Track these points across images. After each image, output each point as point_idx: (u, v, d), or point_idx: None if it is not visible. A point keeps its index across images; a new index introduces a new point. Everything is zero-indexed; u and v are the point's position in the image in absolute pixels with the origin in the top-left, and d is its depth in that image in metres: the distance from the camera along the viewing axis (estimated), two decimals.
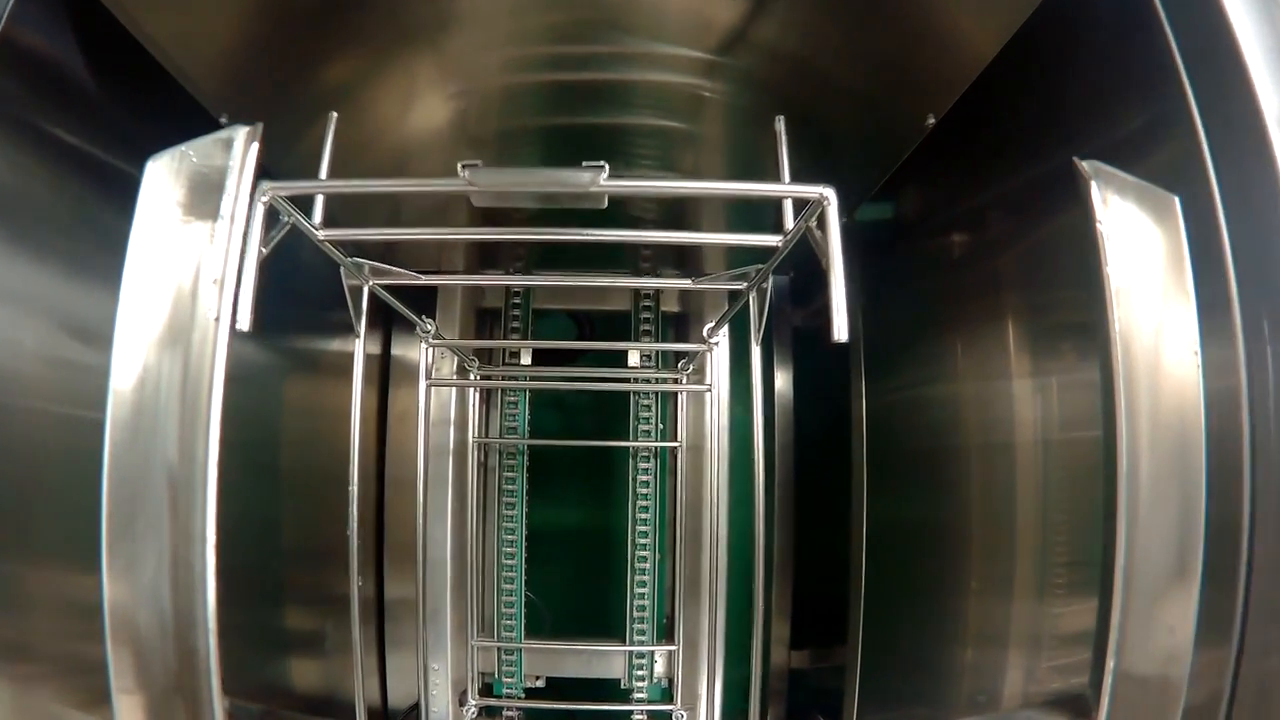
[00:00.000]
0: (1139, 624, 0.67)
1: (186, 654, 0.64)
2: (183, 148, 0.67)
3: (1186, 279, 0.69)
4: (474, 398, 2.05)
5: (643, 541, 2.05)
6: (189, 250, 0.65)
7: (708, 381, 1.86)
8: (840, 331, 0.74)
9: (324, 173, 0.95)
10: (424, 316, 1.56)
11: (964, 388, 1.49)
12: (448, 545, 1.94)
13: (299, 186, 0.83)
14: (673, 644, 2.00)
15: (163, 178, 0.66)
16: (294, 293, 1.66)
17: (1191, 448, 0.67)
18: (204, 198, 0.66)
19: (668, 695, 1.99)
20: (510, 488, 2.07)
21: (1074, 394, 1.14)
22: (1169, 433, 0.67)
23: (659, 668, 2.03)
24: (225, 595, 0.65)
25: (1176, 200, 0.69)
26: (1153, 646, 0.68)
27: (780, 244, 0.91)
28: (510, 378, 2.14)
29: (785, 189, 0.94)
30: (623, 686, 2.01)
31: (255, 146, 0.67)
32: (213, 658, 0.64)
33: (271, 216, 0.77)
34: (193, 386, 0.64)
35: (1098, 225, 0.66)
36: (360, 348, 1.26)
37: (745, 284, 1.20)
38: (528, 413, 2.11)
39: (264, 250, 0.72)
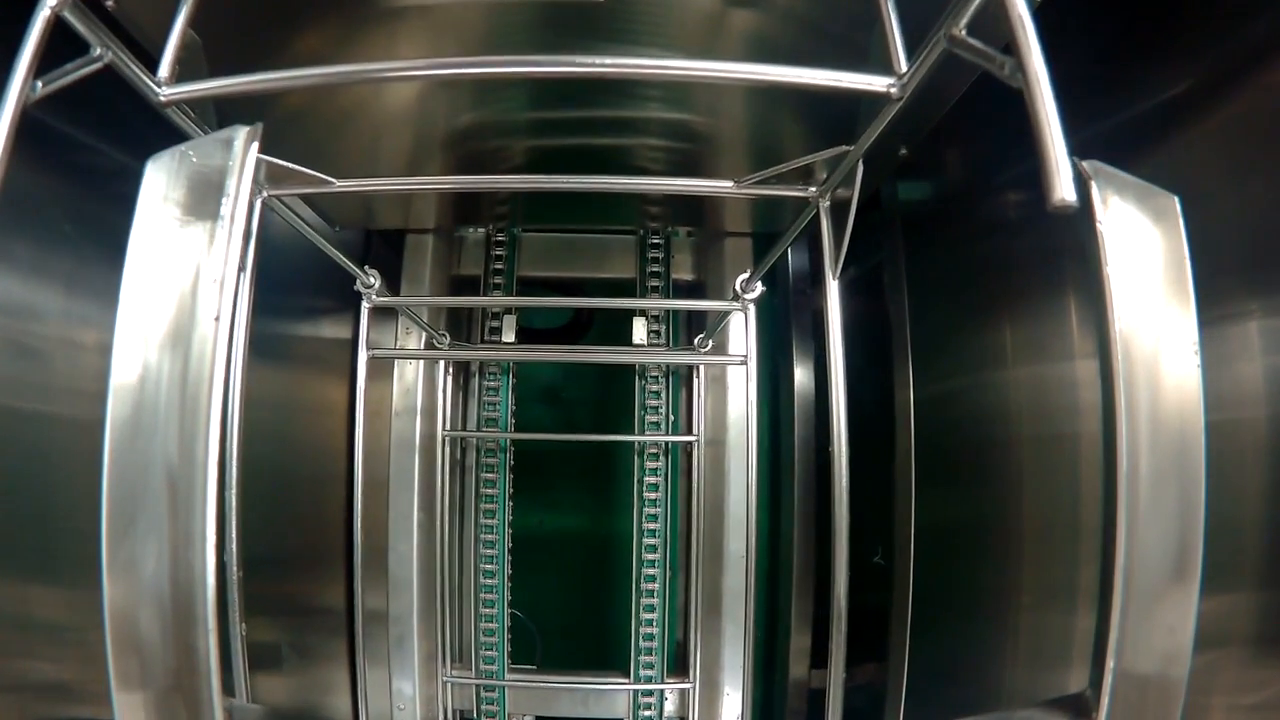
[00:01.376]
0: (1139, 624, 0.80)
1: (186, 654, 0.76)
2: (182, 148, 0.79)
3: (1186, 279, 0.82)
4: (446, 384, 2.13)
5: (650, 557, 2.12)
6: (189, 250, 0.77)
7: (740, 351, 1.82)
8: (1064, 189, 0.69)
9: None
10: (367, 268, 1.58)
11: (1020, 375, 1.65)
12: (414, 559, 2.04)
13: None
14: (686, 679, 2.10)
15: (162, 178, 0.78)
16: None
17: (1191, 448, 0.80)
18: (204, 198, 0.78)
19: None
20: (490, 491, 2.14)
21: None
22: (1169, 433, 0.80)
23: (669, 706, 2.11)
24: None
25: (1176, 200, 0.82)
26: (1153, 647, 0.81)
27: (892, 86, 0.87)
28: (496, 284, 2.19)
29: None
30: None
31: (255, 146, 0.79)
32: (213, 658, 0.76)
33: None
34: (193, 386, 0.75)
35: (1098, 225, 0.79)
36: (248, 290, 1.22)
37: (814, 190, 1.17)
38: (511, 402, 2.16)
39: (40, 86, 0.76)
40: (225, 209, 0.78)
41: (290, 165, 1.20)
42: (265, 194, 1.22)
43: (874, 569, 2.00)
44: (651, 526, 2.16)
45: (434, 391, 2.21)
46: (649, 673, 2.10)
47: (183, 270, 0.77)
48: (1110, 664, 0.81)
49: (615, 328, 2.31)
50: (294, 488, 1.73)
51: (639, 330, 2.24)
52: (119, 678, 0.76)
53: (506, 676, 2.12)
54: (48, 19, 0.74)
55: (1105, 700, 0.82)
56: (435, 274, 2.27)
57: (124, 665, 0.76)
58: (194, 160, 0.79)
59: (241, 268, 1.10)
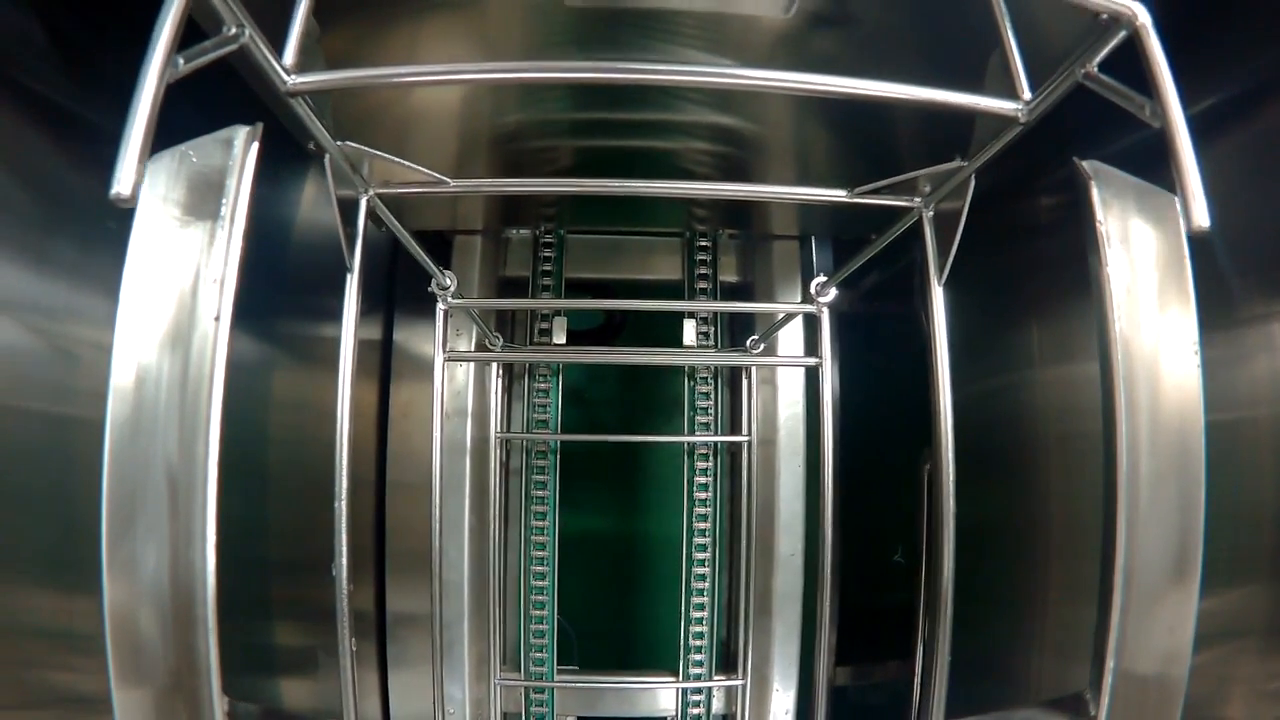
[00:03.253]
0: (1139, 624, 0.80)
1: (186, 654, 0.76)
2: (183, 148, 0.79)
3: (1186, 279, 0.81)
4: (496, 386, 2.12)
5: (700, 556, 2.10)
6: (189, 250, 0.77)
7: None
8: (1201, 218, 0.72)
9: None
10: (445, 271, 1.56)
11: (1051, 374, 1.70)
12: (465, 563, 2.01)
13: None
14: (733, 677, 2.09)
15: (162, 178, 0.78)
16: (278, 274, 1.80)
17: (1191, 447, 0.80)
18: (204, 198, 0.78)
19: None
20: (540, 493, 2.12)
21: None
22: (1169, 432, 0.79)
23: (717, 705, 2.09)
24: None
25: (1176, 200, 0.81)
26: (1153, 646, 0.81)
27: (1020, 111, 0.86)
28: (545, 288, 2.19)
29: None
30: None
31: (255, 146, 0.79)
32: (213, 658, 0.76)
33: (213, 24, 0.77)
34: (193, 386, 0.76)
35: (1098, 225, 0.79)
36: (355, 292, 1.19)
37: (918, 200, 1.17)
38: (560, 404, 2.15)
39: (182, 62, 0.71)
40: (225, 209, 0.78)
41: (405, 163, 1.18)
42: (371, 192, 1.19)
43: (888, 567, 2.04)
44: (702, 526, 2.15)
45: (484, 394, 2.17)
46: (698, 670, 2.09)
47: (183, 270, 0.77)
48: (1110, 664, 0.81)
49: (653, 330, 2.38)
50: (321, 490, 1.76)
51: (689, 332, 2.22)
52: (119, 678, 0.77)
53: (555, 678, 2.10)
54: None
55: (1105, 700, 0.81)
56: (484, 275, 2.25)
57: (124, 665, 0.77)
58: (194, 160, 0.79)
59: (349, 269, 1.15)
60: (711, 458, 2.20)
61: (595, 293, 2.41)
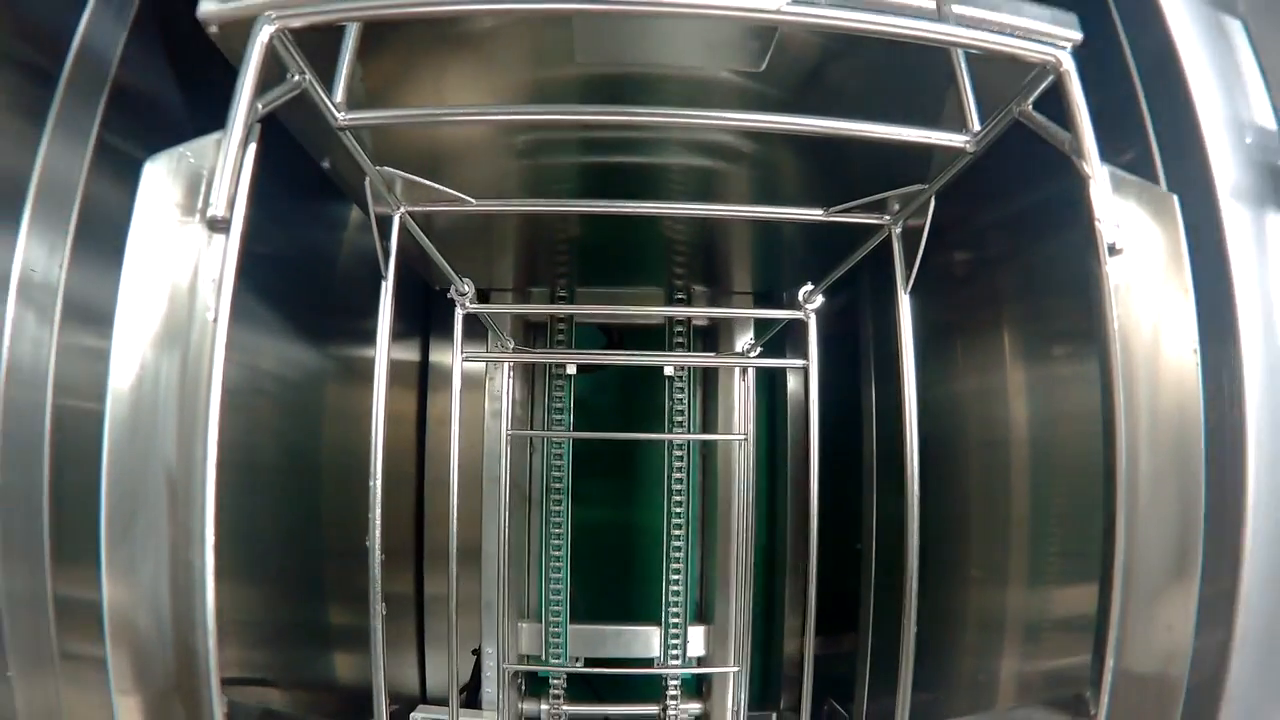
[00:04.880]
0: (1138, 623, 0.78)
1: (186, 654, 0.74)
2: (181, 148, 0.78)
3: (1186, 278, 0.80)
4: (515, 389, 2.48)
5: (677, 534, 2.53)
6: (188, 250, 0.76)
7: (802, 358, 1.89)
8: (1111, 240, 0.79)
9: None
10: (463, 278, 1.69)
11: (964, 387, 1.85)
12: (497, 538, 2.29)
13: (316, 11, 0.80)
14: (705, 624, 2.54)
15: (161, 178, 0.77)
16: (340, 302, 2.00)
17: (1191, 447, 0.79)
18: (202, 198, 0.76)
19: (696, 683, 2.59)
20: (557, 485, 2.56)
21: (1068, 393, 1.45)
22: (1169, 432, 0.78)
23: (691, 649, 2.54)
24: (274, 593, 0.78)
25: (1176, 200, 0.80)
26: (1152, 645, 0.79)
27: (969, 143, 0.94)
28: (558, 371, 2.53)
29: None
30: (657, 667, 2.51)
31: (253, 147, 0.77)
32: (212, 658, 0.74)
33: (273, 70, 0.81)
34: (191, 386, 0.74)
35: (1097, 225, 0.77)
36: (389, 299, 1.27)
37: (887, 218, 1.26)
38: (573, 409, 2.53)
39: (260, 108, 0.78)
40: (223, 209, 0.75)
41: (431, 184, 1.23)
42: (403, 209, 1.26)
43: (849, 553, 2.31)
44: (678, 510, 2.53)
45: (513, 404, 2.46)
46: (676, 620, 2.52)
47: (181, 270, 0.76)
48: (1110, 663, 0.79)
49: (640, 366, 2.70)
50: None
51: (668, 369, 2.55)
52: (119, 678, 0.76)
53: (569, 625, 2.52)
54: (265, 44, 0.76)
55: (1105, 699, 0.80)
56: (514, 321, 2.56)
57: (124, 665, 0.76)
58: (192, 160, 0.78)
59: (384, 278, 1.24)
60: (685, 455, 2.55)
61: (601, 331, 2.78)
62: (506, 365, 2.39)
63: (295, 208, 1.71)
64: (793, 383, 2.66)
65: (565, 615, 2.50)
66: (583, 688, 2.61)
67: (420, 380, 2.53)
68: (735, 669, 2.36)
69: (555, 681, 2.52)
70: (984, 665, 1.70)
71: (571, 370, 2.54)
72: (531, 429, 2.59)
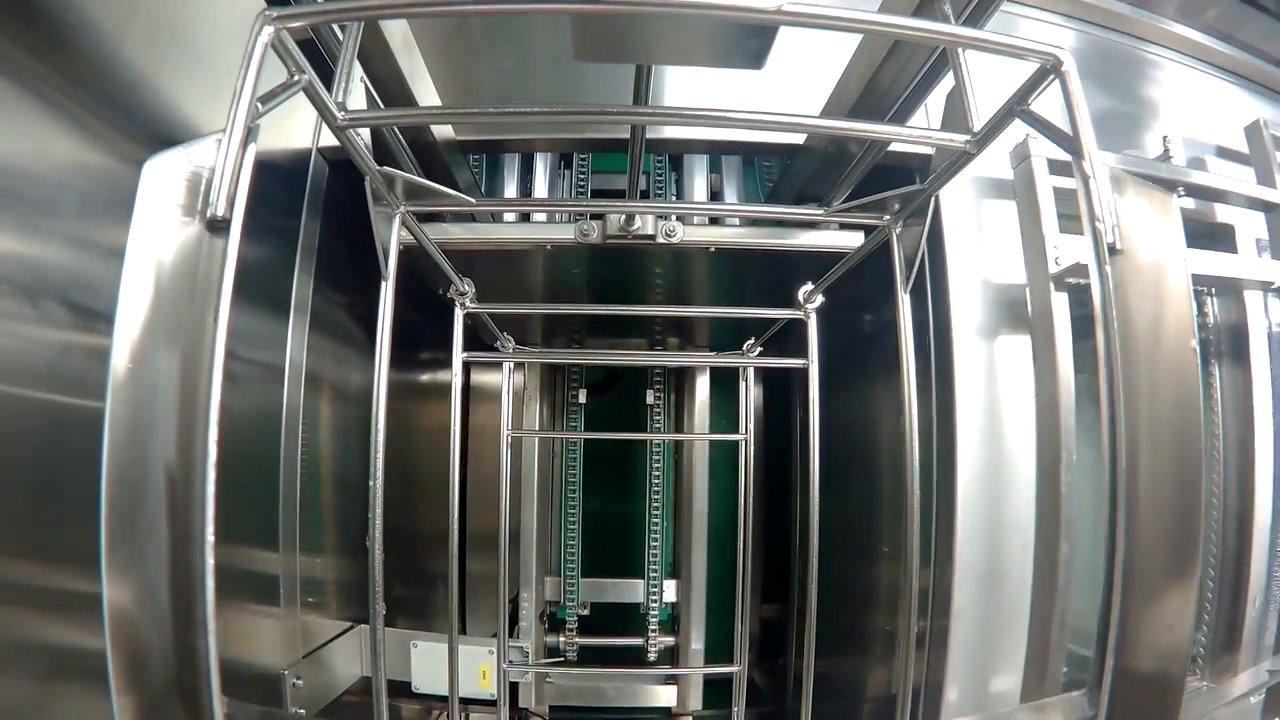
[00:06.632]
0: (1138, 622, 0.78)
1: (186, 654, 0.74)
2: (181, 148, 0.76)
3: (1186, 278, 0.79)
4: (540, 414, 3.33)
5: (655, 513, 3.40)
6: (187, 250, 0.75)
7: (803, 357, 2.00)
8: (1110, 236, 0.81)
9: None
10: (464, 278, 1.73)
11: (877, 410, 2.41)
12: (534, 519, 3.22)
13: (316, 11, 0.83)
14: (677, 579, 3.40)
15: (161, 178, 0.76)
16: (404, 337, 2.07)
17: (1190, 446, 0.78)
18: (202, 198, 0.75)
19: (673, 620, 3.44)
20: (572, 477, 3.38)
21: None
22: (1168, 430, 0.77)
23: (667, 596, 3.41)
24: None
25: (1175, 199, 0.80)
26: (1152, 645, 0.78)
27: (969, 144, 0.94)
28: (573, 399, 3.41)
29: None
30: (641, 612, 3.40)
31: (252, 147, 0.76)
32: (212, 658, 0.73)
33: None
34: (190, 386, 0.73)
35: (1097, 225, 0.76)
36: (389, 295, 1.26)
37: (887, 218, 1.26)
38: (584, 422, 3.43)
39: (260, 106, 0.77)
40: (223, 209, 0.75)
41: (433, 185, 1.23)
42: (403, 208, 1.25)
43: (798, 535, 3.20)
44: (656, 496, 3.42)
45: (539, 410, 3.29)
46: (654, 575, 3.40)
47: (181, 270, 0.75)
48: (1110, 662, 0.79)
49: (631, 397, 3.46)
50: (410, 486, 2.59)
51: (650, 397, 3.44)
52: (119, 678, 0.74)
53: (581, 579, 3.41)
54: (265, 45, 0.76)
55: (1105, 699, 0.79)
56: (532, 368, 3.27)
57: (124, 666, 0.74)
58: (192, 161, 0.77)
59: (384, 276, 1.25)
60: (661, 458, 3.43)
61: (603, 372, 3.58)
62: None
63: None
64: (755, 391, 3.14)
65: (578, 571, 3.36)
66: (590, 625, 3.43)
67: (463, 398, 2.83)
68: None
69: (569, 622, 3.36)
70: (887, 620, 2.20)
71: (582, 399, 3.37)
72: (554, 428, 3.41)
